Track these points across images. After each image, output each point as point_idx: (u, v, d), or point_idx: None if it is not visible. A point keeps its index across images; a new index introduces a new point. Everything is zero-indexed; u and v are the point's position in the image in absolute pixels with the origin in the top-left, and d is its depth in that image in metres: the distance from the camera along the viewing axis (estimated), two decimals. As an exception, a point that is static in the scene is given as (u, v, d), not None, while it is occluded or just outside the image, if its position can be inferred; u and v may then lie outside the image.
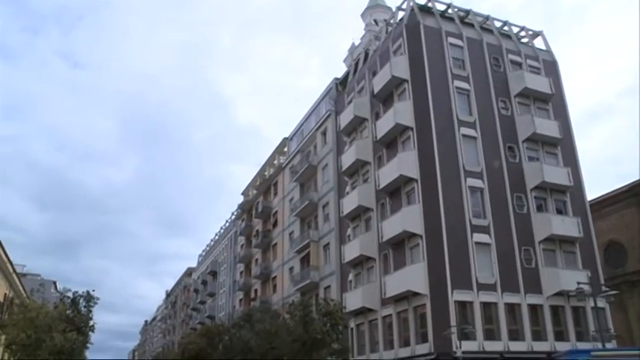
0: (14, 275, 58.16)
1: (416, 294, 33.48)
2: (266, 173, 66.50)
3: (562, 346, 31.77)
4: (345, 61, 51.58)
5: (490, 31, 42.33)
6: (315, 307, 34.34)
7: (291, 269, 52.58)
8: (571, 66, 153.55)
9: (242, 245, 71.26)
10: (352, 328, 39.91)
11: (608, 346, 29.86)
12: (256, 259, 63.95)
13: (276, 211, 60.17)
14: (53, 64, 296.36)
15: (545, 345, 33.40)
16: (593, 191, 47.92)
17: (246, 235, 69.60)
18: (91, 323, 32.55)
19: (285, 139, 61.69)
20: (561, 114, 40.78)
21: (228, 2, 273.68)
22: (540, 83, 40.27)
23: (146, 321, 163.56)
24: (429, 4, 41.39)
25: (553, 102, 40.69)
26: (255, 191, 69.09)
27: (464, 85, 38.20)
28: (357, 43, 49.80)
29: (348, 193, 43.13)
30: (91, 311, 32.35)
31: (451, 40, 39.27)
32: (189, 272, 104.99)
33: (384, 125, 38.91)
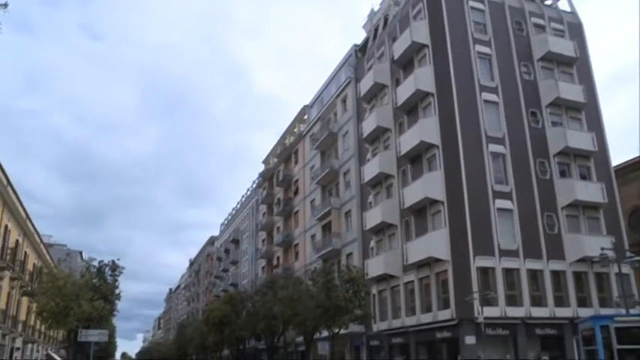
0: (42, 246, 59.49)
1: (438, 260, 33.58)
2: (286, 141, 66.52)
3: (585, 312, 31.69)
4: (364, 27, 50.99)
5: (513, -6, 41.48)
6: (337, 273, 34.67)
7: (312, 237, 52.92)
8: (596, 28, 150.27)
9: (264, 213, 71.75)
10: (374, 295, 40.24)
11: (632, 312, 29.75)
12: (278, 227, 64.43)
13: (297, 179, 60.34)
14: (73, 36, 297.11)
15: (567, 311, 33.41)
16: (618, 156, 47.44)
17: (267, 204, 70.03)
18: (117, 291, 33.22)
19: (305, 106, 61.54)
20: (586, 78, 40.03)
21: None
22: (564, 47, 39.49)
23: (170, 289, 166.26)
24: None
25: (577, 66, 39.93)
26: (275, 159, 69.26)
27: (485, 49, 37.60)
28: (376, 9, 49.14)
29: (368, 160, 43.05)
30: (116, 280, 32.98)
31: (472, 3, 38.53)
32: (211, 241, 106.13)
33: (404, 91, 38.57)
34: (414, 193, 35.95)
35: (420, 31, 38.32)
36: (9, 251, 42.89)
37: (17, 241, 46.64)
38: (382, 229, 40.28)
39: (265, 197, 69.97)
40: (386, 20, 46.40)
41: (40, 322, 49.81)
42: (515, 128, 36.41)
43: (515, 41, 38.83)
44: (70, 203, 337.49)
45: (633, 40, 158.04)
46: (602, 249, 26.80)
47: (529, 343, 32.61)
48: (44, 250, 61.18)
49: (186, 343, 75.70)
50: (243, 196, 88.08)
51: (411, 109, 38.83)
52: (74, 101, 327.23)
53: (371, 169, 41.60)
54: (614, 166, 39.55)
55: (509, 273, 33.38)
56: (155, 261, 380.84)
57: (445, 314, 32.57)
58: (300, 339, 40.44)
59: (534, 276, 34.04)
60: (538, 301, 33.58)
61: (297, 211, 59.17)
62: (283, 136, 68.45)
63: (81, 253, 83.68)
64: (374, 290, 40.05)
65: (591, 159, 37.42)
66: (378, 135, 42.51)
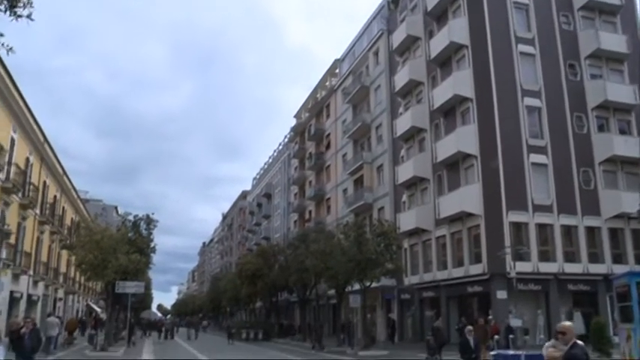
0: (79, 201, 60.88)
1: (470, 215, 33.37)
2: (318, 95, 66.08)
3: (620, 269, 31.25)
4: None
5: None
6: (369, 227, 34.67)
7: (344, 191, 53.00)
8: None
9: (295, 168, 71.95)
10: (406, 249, 40.35)
11: (668, 267, 29.36)
12: (310, 181, 64.65)
13: (328, 134, 60.14)
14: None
15: (601, 267, 33.10)
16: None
17: (299, 158, 70.15)
18: (152, 245, 33.74)
19: (336, 60, 60.81)
20: (630, 27, 38.42)
21: None
22: (607, -7, 37.92)
23: (204, 243, 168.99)
24: None
25: (622, 14, 38.37)
26: (307, 114, 68.96)
27: (523, -1, 36.37)
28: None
29: (401, 113, 42.55)
30: (151, 234, 33.47)
31: (509, -50, 37.14)
32: (244, 195, 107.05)
33: (437, 44, 37.73)
34: (446, 147, 35.55)
35: (454, -19, 37.21)
36: (48, 206, 43.98)
37: (55, 196, 47.77)
38: (414, 183, 40.09)
39: (297, 151, 70.06)
40: (420, -30, 45.12)
41: (79, 275, 51.36)
42: (552, 81, 35.48)
43: (554, -11, 37.45)
44: (104, 159, 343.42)
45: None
46: (640, 205, 26.25)
47: (561, 298, 32.53)
48: (81, 206, 62.66)
49: (219, 296, 77.18)
50: (275, 151, 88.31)
51: (444, 62, 38.04)
52: (107, 58, 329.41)
53: (403, 123, 41.17)
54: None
55: (542, 228, 33.07)
56: (189, 215, 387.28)
57: (477, 269, 32.54)
58: (332, 292, 40.93)
59: (568, 232, 33.68)
60: (571, 257, 33.30)
61: (328, 166, 59.19)
62: (315, 90, 67.98)
63: (116, 208, 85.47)
64: (405, 244, 40.14)
65: (632, 113, 36.33)
66: (411, 88, 41.87)
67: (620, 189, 34.53)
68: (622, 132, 36.04)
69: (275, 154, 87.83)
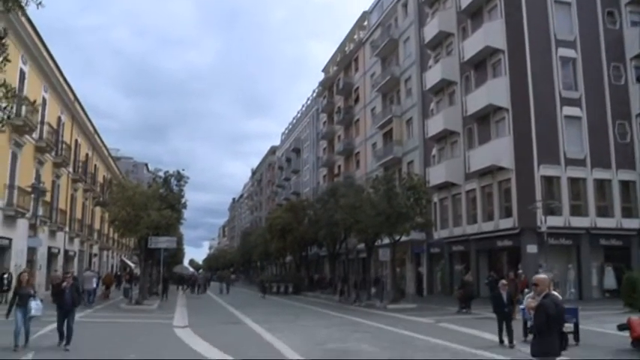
0: (110, 159, 61.78)
1: (501, 168, 32.96)
2: (346, 49, 65.15)
3: (654, 223, 30.90)
4: None
5: None
6: (399, 181, 34.51)
7: (373, 145, 52.72)
8: None
9: (324, 122, 71.64)
10: (435, 203, 40.19)
11: None
12: (339, 136, 64.40)
13: (357, 87, 59.53)
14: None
15: (635, 222, 32.63)
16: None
17: (327, 112, 69.75)
18: (183, 201, 34.06)
19: (364, 12, 59.68)
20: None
21: None
22: None
23: (234, 198, 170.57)
24: None
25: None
26: (335, 68, 68.22)
27: (559, -57, 34.98)
28: None
29: (430, 66, 41.78)
30: (182, 189, 33.78)
31: None
32: (273, 150, 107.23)
33: (469, -7, 36.66)
34: (477, 99, 34.91)
35: None
36: (80, 164, 44.74)
37: (87, 154, 48.54)
38: (444, 136, 39.65)
39: (326, 106, 69.64)
40: None
41: (112, 231, 52.45)
42: (589, 30, 34.34)
43: None
44: (134, 117, 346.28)
45: None
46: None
47: (592, 253, 32.28)
48: (112, 163, 63.64)
49: (250, 250, 78.20)
50: (303, 106, 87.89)
51: (475, 13, 37.01)
52: (133, 16, 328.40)
53: (433, 76, 40.45)
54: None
55: (574, 182, 32.61)
56: (218, 171, 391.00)
57: (507, 223, 32.32)
58: (362, 246, 41.11)
59: (601, 186, 33.15)
60: (604, 211, 32.85)
61: (357, 120, 58.78)
62: (343, 44, 67.01)
63: (146, 165, 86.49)
64: (435, 198, 39.96)
65: (674, 62, 35.04)
66: (441, 40, 40.96)
67: (657, 142, 33.68)
68: (662, 82, 34.90)
69: (303, 109, 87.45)
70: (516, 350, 13.60)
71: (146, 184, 35.97)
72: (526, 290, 26.51)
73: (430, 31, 41.17)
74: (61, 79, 36.86)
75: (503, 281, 16.29)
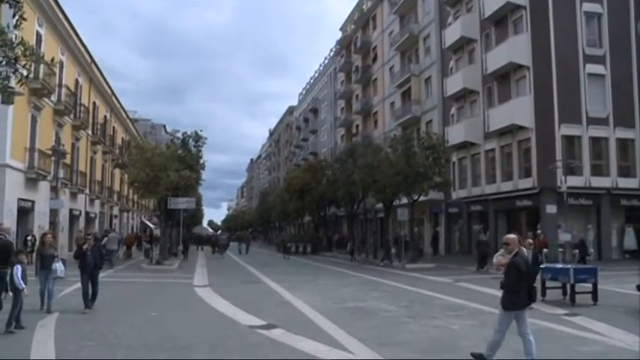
0: (128, 121, 61.96)
1: (521, 128, 32.57)
2: (364, 7, 64.07)
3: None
4: None
5: None
6: (417, 141, 34.28)
7: (392, 104, 52.28)
8: None
9: (342, 81, 71.07)
10: (454, 162, 39.96)
11: None
12: (356, 95, 63.92)
13: (375, 46, 58.76)
14: None
15: (658, 182, 32.23)
16: None
17: (345, 72, 69.11)
18: (201, 161, 34.16)
19: (383, -32, 58.49)
20: None
21: None
22: None
23: (252, 159, 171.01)
24: None
25: None
26: (353, 26, 67.26)
27: None
28: None
29: (450, 24, 40.97)
30: (200, 150, 33.83)
31: None
32: (290, 111, 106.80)
33: (489, -53, 35.70)
34: (497, 57, 34.30)
35: None
36: (99, 127, 44.94)
37: (105, 117, 48.71)
38: (463, 95, 39.15)
39: (343, 65, 68.96)
40: None
41: (132, 192, 52.96)
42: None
43: None
44: (151, 79, 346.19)
45: None
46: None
47: (613, 214, 32.05)
48: (130, 125, 63.85)
49: (268, 211, 78.71)
50: (321, 65, 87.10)
51: (496, -33, 36.08)
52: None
53: (452, 33, 39.73)
54: None
55: (596, 142, 32.22)
56: (236, 132, 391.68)
57: (526, 183, 32.08)
58: (380, 206, 41.16)
59: (624, 145, 32.72)
60: (626, 171, 32.47)
61: (375, 79, 58.21)
62: (361, 2, 65.90)
63: (164, 126, 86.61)
64: (454, 158, 39.71)
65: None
66: (461, -4, 40.12)
67: (682, 99, 32.98)
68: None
69: (321, 68, 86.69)
70: (536, 310, 13.58)
71: (164, 145, 36.05)
72: (545, 250, 26.58)
73: (449, -14, 40.30)
74: (77, 41, 36.76)
75: (529, 240, 15.83)
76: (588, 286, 14.53)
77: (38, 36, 28.74)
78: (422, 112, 45.60)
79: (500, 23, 35.42)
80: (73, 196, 37.44)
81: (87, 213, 41.72)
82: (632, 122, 32.58)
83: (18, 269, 10.77)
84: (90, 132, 41.78)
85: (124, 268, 28.08)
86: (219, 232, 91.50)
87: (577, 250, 26.38)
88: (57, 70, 31.36)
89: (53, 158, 29.66)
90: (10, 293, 11.05)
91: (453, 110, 40.85)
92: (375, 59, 58.78)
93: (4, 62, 9.82)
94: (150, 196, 33.87)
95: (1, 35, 9.53)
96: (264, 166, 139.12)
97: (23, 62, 10.17)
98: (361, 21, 63.15)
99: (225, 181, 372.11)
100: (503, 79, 34.83)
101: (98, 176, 45.60)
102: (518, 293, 7.62)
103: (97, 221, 44.87)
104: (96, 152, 44.60)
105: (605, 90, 32.54)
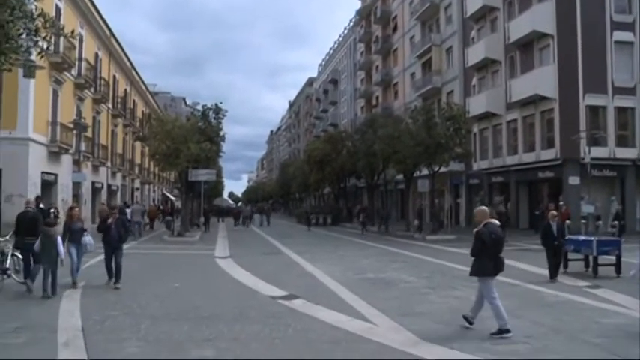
0: (148, 94, 62.12)
1: (543, 98, 32.05)
2: (384, -25, 63.17)
3: None
4: None
5: None
6: (438, 111, 33.97)
7: (412, 75, 51.76)
8: None
9: (362, 52, 70.45)
10: (475, 133, 39.55)
11: None
12: (376, 66, 63.37)
13: (395, 16, 57.99)
14: None
15: (684, 153, 31.63)
16: None
17: (365, 42, 68.45)
18: (221, 134, 34.18)
19: None
20: None
21: None
22: None
23: (271, 131, 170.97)
24: None
25: None
26: (373, -5, 66.39)
27: None
28: None
29: (472, -8, 40.24)
30: (220, 122, 33.78)
31: None
32: (310, 82, 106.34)
33: None
34: (520, 26, 33.62)
35: None
36: (119, 100, 45.14)
37: (125, 90, 48.88)
38: (485, 65, 38.58)
39: (363, 35, 68.26)
40: None
41: (153, 165, 53.35)
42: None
43: None
44: (170, 51, 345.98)
45: None
46: None
47: (638, 185, 31.57)
48: (150, 98, 64.08)
49: (288, 182, 78.88)
50: (340, 36, 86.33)
51: None
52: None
53: (474, 2, 39.01)
54: None
55: (621, 112, 31.64)
56: (256, 104, 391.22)
57: (549, 154, 31.69)
58: (400, 177, 41.02)
59: (651, 116, 32.03)
60: (652, 142, 31.85)
61: (396, 49, 57.57)
62: (380, -30, 64.95)
63: (184, 99, 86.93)
64: (475, 129, 39.30)
65: None
66: (483, -36, 39.27)
67: None
68: None
69: (340, 39, 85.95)
70: (558, 283, 13.50)
71: (184, 117, 36.14)
72: (567, 222, 26.29)
73: (472, -46, 39.44)
74: (96, 15, 36.78)
75: (554, 212, 15.36)
76: (611, 258, 14.38)
77: (57, 10, 28.77)
78: (443, 82, 45.09)
79: (523, -9, 34.70)
80: (95, 169, 37.84)
81: (109, 186, 42.19)
82: (660, 92, 31.92)
83: (59, 239, 11.30)
84: (110, 105, 42.02)
85: (146, 240, 28.42)
86: (240, 204, 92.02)
87: (616, 222, 25.83)
88: (77, 44, 31.45)
89: (75, 132, 29.93)
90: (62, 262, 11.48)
91: (475, 81, 40.30)
92: (395, 29, 58.07)
93: (24, 34, 9.83)
94: (170, 168, 34.03)
95: (21, 7, 9.55)
96: (284, 138, 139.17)
97: (43, 34, 10.17)
98: (381, -10, 62.31)
99: (245, 153, 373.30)
100: (526, 49, 34.21)
101: (119, 149, 45.97)
102: (482, 261, 8.32)
103: (118, 194, 45.36)
104: (117, 125, 44.90)
105: (633, 58, 31.80)
